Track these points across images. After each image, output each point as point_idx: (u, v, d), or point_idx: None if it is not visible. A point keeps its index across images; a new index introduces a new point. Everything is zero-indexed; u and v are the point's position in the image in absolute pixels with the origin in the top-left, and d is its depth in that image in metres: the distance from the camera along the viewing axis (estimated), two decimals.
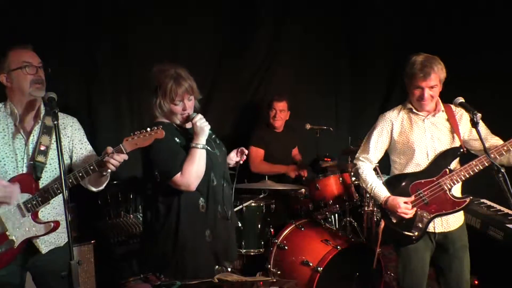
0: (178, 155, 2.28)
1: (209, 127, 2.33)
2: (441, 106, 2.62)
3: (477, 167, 2.45)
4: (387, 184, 2.67)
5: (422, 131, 2.60)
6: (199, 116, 2.32)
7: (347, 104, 5.09)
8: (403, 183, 2.60)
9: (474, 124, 2.35)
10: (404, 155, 2.64)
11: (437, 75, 2.49)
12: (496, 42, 4.01)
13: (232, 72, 4.42)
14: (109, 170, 2.10)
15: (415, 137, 2.60)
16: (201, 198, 2.35)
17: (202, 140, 2.28)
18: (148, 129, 2.08)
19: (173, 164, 2.25)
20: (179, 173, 2.24)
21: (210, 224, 2.37)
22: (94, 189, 2.32)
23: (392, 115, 2.68)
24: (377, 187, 2.64)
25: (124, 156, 2.06)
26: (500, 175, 2.18)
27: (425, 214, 2.54)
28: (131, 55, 3.88)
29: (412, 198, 2.55)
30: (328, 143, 4.41)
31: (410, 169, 2.62)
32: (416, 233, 2.55)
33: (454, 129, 2.59)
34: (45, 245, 2.19)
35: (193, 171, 2.25)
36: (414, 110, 2.62)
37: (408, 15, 4.82)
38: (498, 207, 3.26)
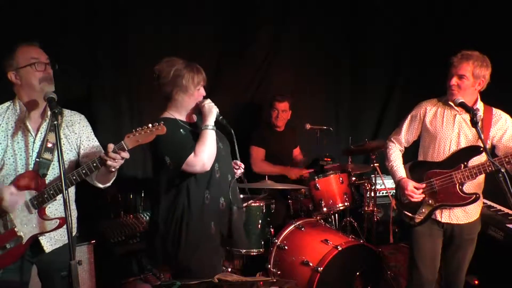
0: (187, 141, 2.33)
1: (217, 109, 2.41)
2: (479, 105, 2.62)
3: (490, 168, 2.45)
4: (409, 167, 2.81)
5: (451, 125, 2.66)
6: (208, 100, 2.43)
7: (347, 104, 5.09)
8: (421, 170, 2.73)
9: (474, 124, 2.37)
10: (429, 143, 2.73)
11: (471, 67, 2.52)
12: (497, 42, 4.01)
13: (232, 72, 4.42)
14: (114, 168, 2.11)
15: (443, 129, 2.67)
16: (206, 191, 2.39)
17: (211, 121, 2.37)
18: (150, 125, 2.08)
19: (184, 148, 2.30)
20: (192, 154, 2.29)
21: (214, 216, 2.41)
22: (101, 186, 2.34)
23: (429, 104, 2.77)
24: (396, 166, 2.81)
25: (125, 154, 2.06)
26: (500, 175, 2.19)
27: (430, 202, 2.66)
28: (131, 54, 3.88)
29: (424, 185, 2.67)
30: (328, 143, 4.41)
31: (431, 157, 2.72)
32: (418, 217, 2.69)
33: (484, 130, 2.61)
34: (50, 243, 2.21)
35: (206, 151, 2.31)
36: (449, 104, 2.66)
37: (408, 15, 4.81)
38: (498, 207, 3.27)
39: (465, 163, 2.57)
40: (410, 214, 2.72)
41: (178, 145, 2.30)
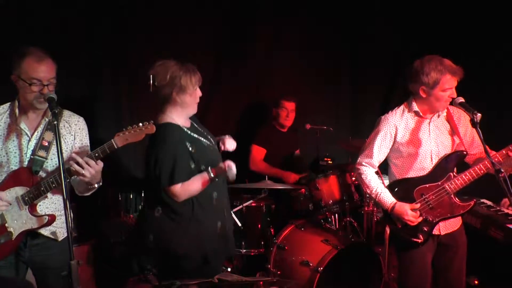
0: (184, 164, 2.31)
1: (232, 173, 2.37)
2: None
3: (481, 171, 2.43)
4: (390, 188, 2.62)
5: (427, 135, 2.57)
6: (232, 165, 2.37)
7: (347, 104, 5.09)
8: (407, 188, 2.57)
9: (474, 125, 2.32)
10: (408, 159, 2.60)
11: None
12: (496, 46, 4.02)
13: (232, 72, 4.42)
14: (95, 185, 2.15)
15: (421, 141, 2.57)
16: (215, 192, 2.42)
17: (217, 175, 2.35)
18: (140, 124, 2.09)
19: (178, 172, 2.28)
20: (180, 184, 2.28)
21: (221, 216, 2.44)
22: (78, 193, 2.33)
23: (396, 118, 2.61)
24: (382, 193, 2.59)
25: (95, 165, 2.06)
26: (500, 175, 2.18)
27: (430, 219, 2.52)
28: (131, 55, 3.88)
29: (418, 205, 2.53)
30: (328, 143, 4.41)
31: (414, 173, 2.59)
32: (422, 238, 2.53)
33: (455, 131, 2.59)
34: (45, 230, 2.21)
35: (192, 190, 2.32)
36: (421, 114, 2.58)
37: (408, 15, 4.81)
38: (498, 207, 3.26)
39: (454, 172, 2.52)
40: (413, 239, 2.52)
41: (175, 166, 2.28)
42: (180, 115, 2.43)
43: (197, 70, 2.44)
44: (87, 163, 2.05)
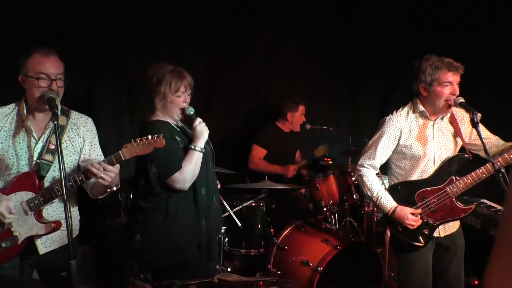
0: (178, 153, 2.31)
1: (208, 131, 2.37)
2: None
3: (484, 175, 2.42)
4: (391, 191, 2.62)
5: (431, 137, 2.56)
6: (199, 120, 2.38)
7: (347, 104, 5.09)
8: (409, 191, 2.57)
9: (474, 125, 2.34)
10: (410, 161, 2.59)
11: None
12: (495, 44, 4.01)
13: (232, 72, 4.43)
14: (113, 188, 2.11)
15: (424, 144, 2.55)
16: (203, 188, 2.39)
17: (200, 143, 2.33)
18: (149, 136, 2.05)
19: (176, 161, 2.27)
20: (179, 171, 2.26)
21: (207, 213, 2.42)
22: (91, 196, 2.32)
23: (400, 120, 2.59)
24: (383, 196, 2.57)
25: (110, 168, 2.01)
26: (500, 175, 2.19)
27: (431, 222, 2.52)
28: (131, 55, 3.88)
29: (419, 210, 2.53)
30: (328, 143, 4.41)
31: (416, 176, 2.58)
32: (423, 241, 2.53)
33: (457, 132, 2.59)
34: (44, 245, 2.19)
35: (191, 171, 2.29)
36: (426, 114, 2.57)
37: (408, 17, 4.81)
38: (498, 207, 3.25)
39: (456, 175, 2.51)
40: (415, 243, 2.53)
41: (170, 157, 2.26)
42: (168, 117, 2.40)
43: (183, 76, 2.35)
44: (104, 169, 2.01)
